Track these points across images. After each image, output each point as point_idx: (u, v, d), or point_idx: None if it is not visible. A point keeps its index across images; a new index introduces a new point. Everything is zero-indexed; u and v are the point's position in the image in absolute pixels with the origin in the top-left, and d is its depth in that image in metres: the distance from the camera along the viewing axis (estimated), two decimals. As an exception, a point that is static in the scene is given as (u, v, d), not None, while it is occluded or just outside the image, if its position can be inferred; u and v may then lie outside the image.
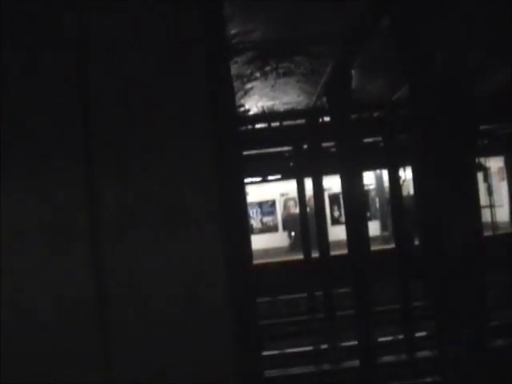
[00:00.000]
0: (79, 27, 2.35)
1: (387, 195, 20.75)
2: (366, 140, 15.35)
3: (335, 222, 25.64)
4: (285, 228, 26.97)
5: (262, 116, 12.64)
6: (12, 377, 2.25)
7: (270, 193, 26.63)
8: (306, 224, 16.96)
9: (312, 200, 16.28)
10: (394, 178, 14.72)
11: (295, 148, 16.36)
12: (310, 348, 12.08)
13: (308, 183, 16.29)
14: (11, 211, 2.28)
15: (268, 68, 9.12)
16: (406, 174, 17.36)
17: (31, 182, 2.30)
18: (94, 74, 2.35)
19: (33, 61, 2.34)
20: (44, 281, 2.28)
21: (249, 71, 9.11)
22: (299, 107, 12.26)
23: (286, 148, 16.78)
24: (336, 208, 26.33)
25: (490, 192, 22.61)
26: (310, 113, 12.53)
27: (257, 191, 24.91)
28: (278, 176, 22.03)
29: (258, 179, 22.17)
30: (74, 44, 2.35)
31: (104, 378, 2.27)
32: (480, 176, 21.86)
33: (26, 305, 2.28)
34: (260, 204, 27.09)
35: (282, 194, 27.01)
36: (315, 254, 15.37)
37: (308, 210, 18.05)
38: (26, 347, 2.28)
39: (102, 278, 2.29)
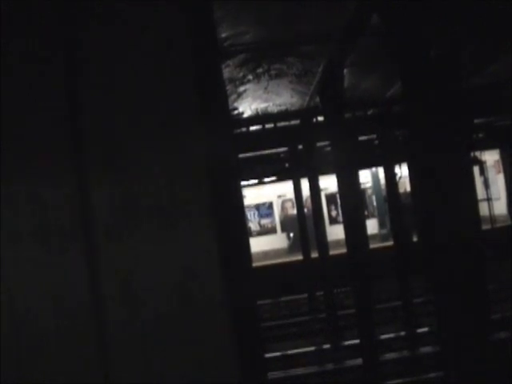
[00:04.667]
0: (67, 28, 2.36)
1: (384, 193, 20.79)
2: (361, 138, 15.36)
3: (333, 221, 25.65)
4: (283, 229, 26.97)
5: (256, 118, 12.65)
6: (10, 378, 2.25)
7: (266, 195, 26.63)
8: (303, 225, 16.97)
9: (309, 200, 16.29)
10: (390, 175, 14.74)
11: (290, 149, 16.36)
12: (312, 348, 12.07)
13: (304, 184, 16.30)
14: (5, 214, 2.28)
15: (260, 70, 9.12)
16: (402, 171, 17.39)
17: (23, 183, 2.30)
18: (82, 74, 2.35)
19: (21, 61, 2.34)
20: (39, 282, 2.28)
21: (241, 74, 9.11)
22: (293, 108, 12.27)
23: (281, 149, 16.78)
24: (333, 207, 26.33)
25: (486, 185, 22.64)
26: (304, 113, 12.54)
27: (254, 194, 24.93)
28: (275, 178, 22.05)
29: (255, 181, 22.17)
30: (62, 44, 2.36)
31: (102, 379, 2.27)
32: (476, 170, 21.90)
33: (21, 306, 2.28)
34: (257, 206, 27.09)
35: (279, 196, 27.01)
36: (315, 254, 15.37)
37: (306, 210, 18.06)
38: (23, 348, 2.27)
39: (97, 279, 2.29)
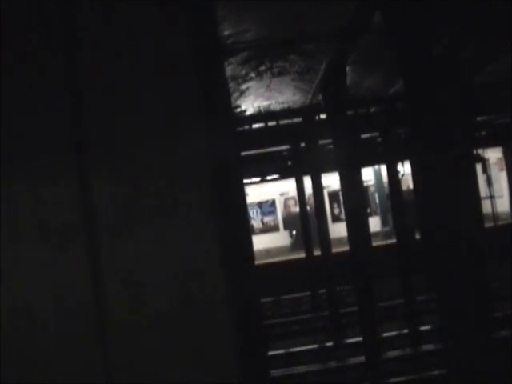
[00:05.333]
0: (67, 28, 2.36)
1: (387, 190, 20.78)
2: (364, 136, 15.35)
3: (336, 219, 25.66)
4: (286, 227, 26.99)
5: (259, 116, 12.66)
6: (10, 378, 2.25)
7: (269, 193, 26.65)
8: (306, 222, 16.97)
9: (312, 198, 16.29)
10: (393, 173, 14.74)
11: (293, 147, 16.37)
12: (315, 346, 12.08)
13: (307, 181, 16.29)
14: (5, 213, 2.28)
15: (263, 68, 9.13)
16: (405, 169, 17.38)
17: (24, 183, 2.30)
18: (82, 74, 2.35)
19: (21, 61, 2.35)
20: (40, 282, 2.28)
21: (244, 72, 9.12)
22: (295, 106, 12.27)
23: (283, 147, 16.79)
24: (336, 205, 26.33)
25: (489, 183, 22.62)
26: (307, 111, 12.54)
27: (256, 191, 24.94)
28: (277, 175, 22.06)
29: (257, 179, 22.18)
30: (62, 44, 2.36)
31: (102, 379, 2.27)
32: (479, 167, 21.89)
33: (22, 306, 2.28)
34: (260, 204, 27.11)
35: (282, 194, 27.02)
36: (318, 252, 15.36)
37: (308, 208, 18.06)
38: (23, 348, 2.28)
39: (97, 279, 2.29)
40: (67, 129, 2.33)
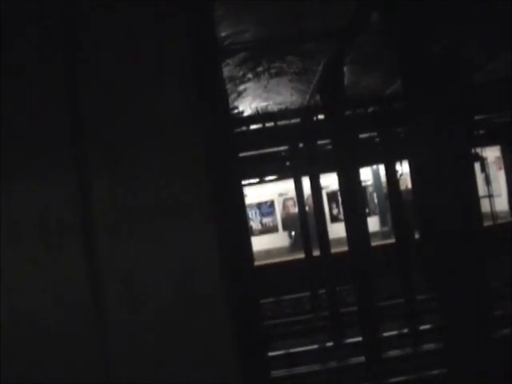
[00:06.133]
0: (67, 28, 2.36)
1: (385, 190, 20.79)
2: (362, 136, 15.34)
3: (334, 219, 25.66)
4: (285, 228, 26.99)
5: (257, 117, 12.65)
6: (10, 378, 2.25)
7: (268, 193, 26.64)
8: (305, 223, 16.97)
9: (310, 199, 16.30)
10: (391, 173, 14.73)
11: (291, 147, 16.36)
12: (315, 346, 12.07)
13: (306, 182, 16.29)
14: (5, 213, 2.28)
15: (260, 69, 9.13)
16: (403, 168, 17.38)
17: (23, 183, 2.30)
18: (82, 74, 2.36)
19: (19, 60, 2.35)
20: (40, 282, 2.28)
21: (241, 73, 9.12)
22: (293, 107, 12.27)
23: (281, 148, 16.78)
24: (335, 206, 26.33)
25: (487, 182, 22.63)
26: (304, 111, 12.54)
27: (255, 192, 24.93)
28: (276, 176, 22.04)
29: (256, 180, 22.16)
30: (62, 44, 2.36)
31: (102, 379, 2.27)
32: (477, 166, 21.89)
33: (22, 306, 2.28)
34: (259, 205, 27.10)
35: (281, 194, 27.02)
36: (317, 253, 15.36)
37: (307, 208, 18.06)
38: (23, 348, 2.27)
39: (97, 279, 2.29)
40: (67, 129, 2.34)
